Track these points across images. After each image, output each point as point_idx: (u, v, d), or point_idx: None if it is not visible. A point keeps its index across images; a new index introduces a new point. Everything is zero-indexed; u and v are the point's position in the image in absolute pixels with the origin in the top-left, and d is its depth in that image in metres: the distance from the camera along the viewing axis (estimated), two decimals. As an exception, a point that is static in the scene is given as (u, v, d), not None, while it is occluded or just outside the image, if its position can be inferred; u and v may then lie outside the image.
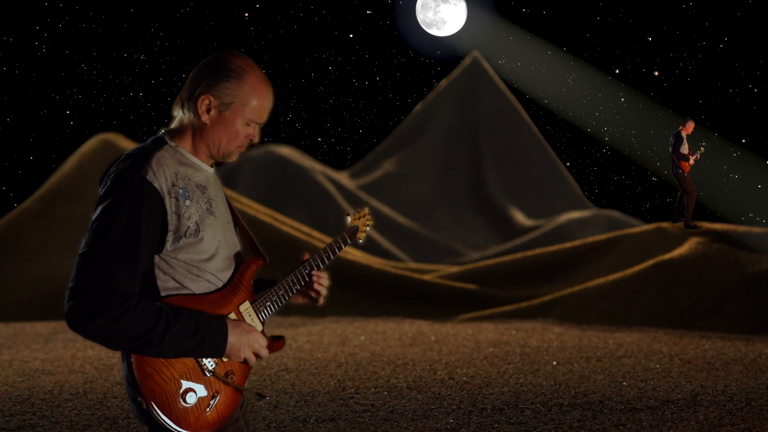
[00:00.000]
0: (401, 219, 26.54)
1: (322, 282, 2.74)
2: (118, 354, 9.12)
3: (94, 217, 2.32)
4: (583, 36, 25.04)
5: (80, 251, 2.28)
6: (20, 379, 8.09)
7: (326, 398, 6.95)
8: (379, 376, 7.91)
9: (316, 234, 17.56)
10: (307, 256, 2.74)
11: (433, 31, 25.47)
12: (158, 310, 2.28)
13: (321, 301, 2.76)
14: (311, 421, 6.15)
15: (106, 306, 2.21)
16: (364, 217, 2.94)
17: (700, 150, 12.40)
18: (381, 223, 25.78)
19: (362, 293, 14.49)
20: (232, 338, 2.39)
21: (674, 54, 23.69)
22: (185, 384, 2.35)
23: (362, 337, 10.65)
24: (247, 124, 2.48)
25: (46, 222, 15.74)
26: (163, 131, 2.50)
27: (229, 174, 26.18)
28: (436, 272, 16.53)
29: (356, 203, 26.86)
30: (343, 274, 14.41)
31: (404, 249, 24.89)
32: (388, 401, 6.79)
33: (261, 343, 2.46)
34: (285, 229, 16.26)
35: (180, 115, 2.50)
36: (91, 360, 9.11)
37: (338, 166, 28.39)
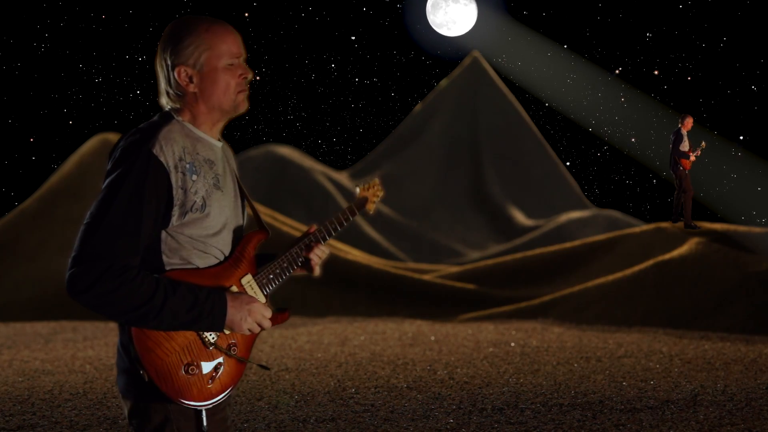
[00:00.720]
0: (401, 219, 26.54)
1: (318, 253, 2.69)
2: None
3: (102, 189, 2.34)
4: (583, 35, 25.03)
5: (84, 221, 2.30)
6: (20, 379, 8.09)
7: (326, 398, 6.94)
8: (379, 376, 7.91)
9: (316, 234, 17.54)
10: (314, 228, 2.72)
11: (444, 32, 25.45)
12: (156, 282, 2.29)
13: (316, 271, 2.71)
14: (311, 421, 6.14)
15: (106, 276, 2.22)
16: (374, 187, 2.88)
17: (700, 146, 12.37)
18: (381, 223, 25.78)
19: (362, 293, 14.48)
20: (232, 310, 2.38)
21: (674, 54, 23.69)
22: (187, 357, 2.35)
23: (362, 337, 10.65)
24: (231, 66, 2.46)
25: (46, 222, 15.74)
26: (169, 107, 2.50)
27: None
28: (436, 272, 16.52)
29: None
30: (343, 274, 14.41)
31: (404, 249, 24.88)
32: (388, 401, 6.79)
33: (263, 313, 2.45)
34: (285, 229, 16.26)
35: (170, 103, 2.49)
36: (91, 360, 9.10)
37: (338, 166, 28.37)
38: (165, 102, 2.51)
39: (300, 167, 26.96)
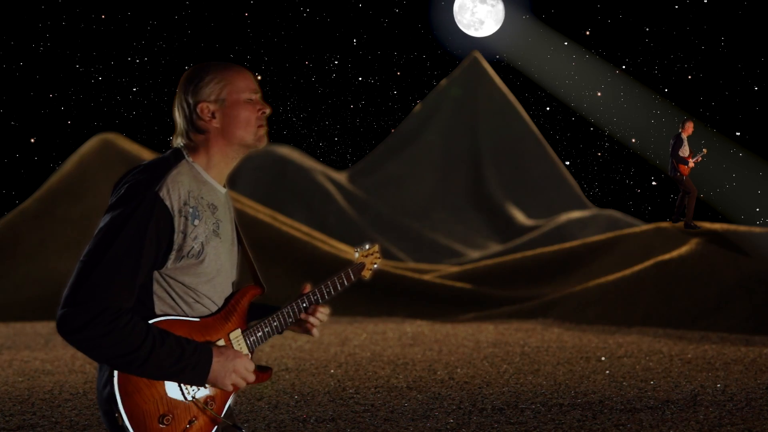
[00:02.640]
0: (401, 219, 26.54)
1: (320, 315, 2.69)
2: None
3: (101, 224, 2.32)
4: (583, 35, 25.03)
5: (82, 258, 2.28)
6: (20, 379, 8.09)
7: (326, 398, 6.94)
8: (379, 376, 7.91)
9: (316, 234, 17.56)
10: (308, 289, 2.70)
11: (471, 32, 25.43)
12: (146, 331, 2.27)
13: (315, 333, 2.71)
14: (311, 421, 6.14)
15: (97, 320, 2.21)
16: (372, 255, 2.89)
17: (702, 152, 12.36)
18: (381, 223, 25.78)
19: (362, 293, 14.48)
20: (216, 366, 2.37)
21: (674, 54, 23.69)
22: (165, 406, 2.34)
23: (362, 337, 10.65)
24: (249, 101, 2.49)
25: (46, 222, 15.73)
26: (182, 143, 2.49)
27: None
28: (436, 272, 16.52)
29: (356, 203, 26.87)
30: (343, 274, 14.39)
31: (404, 249, 24.87)
32: (388, 401, 6.79)
33: (248, 368, 2.44)
34: (285, 229, 16.26)
35: (187, 141, 2.49)
36: (91, 360, 9.10)
37: (338, 166, 28.37)
38: (180, 142, 2.50)
39: (300, 167, 26.95)
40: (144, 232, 2.28)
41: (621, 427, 5.80)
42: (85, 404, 6.84)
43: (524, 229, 26.26)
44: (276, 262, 14.68)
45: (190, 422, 2.38)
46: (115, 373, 2.30)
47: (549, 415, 6.21)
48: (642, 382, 7.43)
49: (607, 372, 7.99)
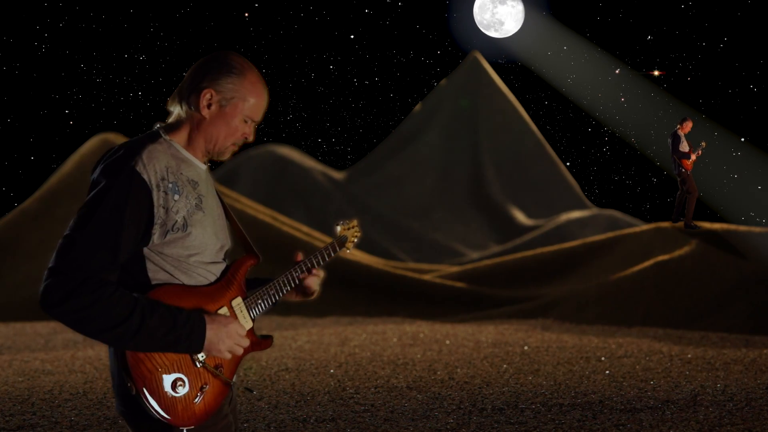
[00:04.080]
0: (401, 219, 26.54)
1: (317, 278, 2.80)
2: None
3: (83, 203, 2.35)
4: (583, 34, 25.03)
5: (64, 234, 2.30)
6: (20, 379, 8.09)
7: (326, 398, 6.94)
8: (379, 376, 7.91)
9: (316, 234, 17.56)
10: (300, 257, 2.80)
11: (491, 33, 25.42)
12: (134, 301, 2.28)
13: (313, 295, 2.82)
14: (311, 421, 6.14)
15: (80, 289, 2.21)
16: (353, 228, 3.03)
17: (701, 146, 12.36)
18: (381, 223, 25.78)
19: (362, 293, 14.49)
20: (210, 333, 2.38)
21: (675, 54, 23.68)
22: (175, 373, 2.36)
23: (362, 337, 10.65)
24: (245, 121, 2.53)
25: (46, 222, 15.74)
26: (158, 125, 2.53)
27: (229, 174, 26.19)
28: (436, 272, 16.52)
29: (356, 203, 26.87)
30: (343, 274, 14.41)
31: (404, 249, 24.88)
32: (388, 401, 6.79)
33: (240, 333, 2.46)
34: (285, 229, 16.26)
35: (177, 111, 2.53)
36: (91, 360, 9.11)
37: (338, 166, 28.38)
38: (171, 105, 2.54)
39: (300, 167, 26.96)
40: (123, 206, 2.30)
41: (621, 427, 5.81)
42: (85, 404, 6.84)
43: (524, 229, 26.26)
44: (276, 262, 14.68)
45: (202, 388, 2.40)
46: None
47: (549, 415, 6.21)
48: (642, 382, 7.43)
49: (607, 372, 7.99)
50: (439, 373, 8.08)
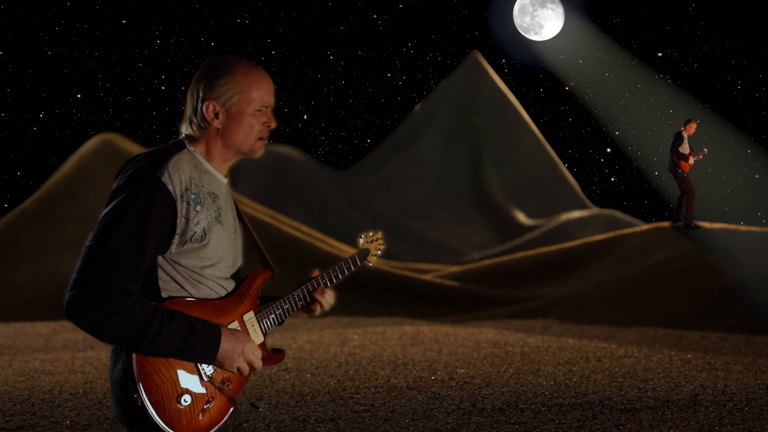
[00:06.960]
0: (401, 219, 26.54)
1: (328, 298, 2.73)
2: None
3: (105, 210, 2.35)
4: (583, 34, 25.01)
5: (87, 242, 2.31)
6: (20, 379, 8.09)
7: (326, 398, 6.95)
8: (379, 376, 7.91)
9: (316, 234, 17.57)
10: (316, 273, 2.75)
11: (531, 36, 25.33)
12: (154, 310, 2.30)
13: (317, 312, 2.76)
14: (311, 421, 6.14)
15: (104, 301, 2.24)
16: (376, 241, 2.96)
17: (703, 151, 12.36)
18: (381, 223, 25.78)
19: (362, 293, 14.49)
20: (225, 345, 2.39)
21: (675, 53, 23.68)
22: (182, 386, 2.36)
23: (362, 337, 10.65)
24: (258, 112, 2.51)
25: (46, 222, 15.74)
26: (184, 135, 2.53)
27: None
28: (436, 272, 16.53)
29: (357, 203, 26.88)
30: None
31: (404, 249, 24.89)
32: (388, 401, 6.79)
33: (256, 354, 2.46)
34: (285, 229, 16.27)
35: (190, 132, 2.52)
36: (91, 360, 9.11)
37: (338, 166, 28.39)
38: (185, 129, 2.54)
39: (300, 167, 26.97)
40: (148, 216, 2.32)
41: (621, 427, 5.80)
42: (85, 404, 6.84)
43: (524, 229, 26.27)
44: (276, 262, 14.65)
45: (208, 402, 2.41)
46: (134, 354, 2.32)
47: (549, 415, 6.21)
48: (642, 382, 7.43)
49: (607, 372, 7.99)
50: (439, 373, 8.08)
